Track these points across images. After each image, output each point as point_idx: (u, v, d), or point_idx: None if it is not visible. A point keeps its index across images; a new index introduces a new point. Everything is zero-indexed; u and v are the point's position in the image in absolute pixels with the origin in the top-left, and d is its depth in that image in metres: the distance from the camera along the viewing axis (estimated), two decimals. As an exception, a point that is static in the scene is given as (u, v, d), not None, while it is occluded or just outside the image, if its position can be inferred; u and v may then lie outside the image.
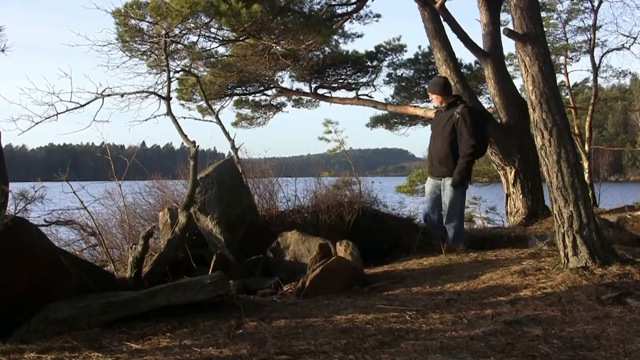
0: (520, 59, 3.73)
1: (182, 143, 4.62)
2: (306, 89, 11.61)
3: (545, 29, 4.16)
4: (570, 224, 3.46)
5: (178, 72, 7.95)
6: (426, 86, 12.29)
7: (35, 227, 3.12)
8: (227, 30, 7.63)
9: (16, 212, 3.22)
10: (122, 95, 5.33)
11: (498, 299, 3.14)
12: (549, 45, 4.02)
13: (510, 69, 12.75)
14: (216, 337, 2.56)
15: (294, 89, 11.76)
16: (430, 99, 5.41)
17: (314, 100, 12.09)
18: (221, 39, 8.11)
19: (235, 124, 12.73)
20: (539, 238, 4.72)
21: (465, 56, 60.69)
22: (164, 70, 7.03)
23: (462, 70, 8.80)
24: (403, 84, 12.06)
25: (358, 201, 5.35)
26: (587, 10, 14.82)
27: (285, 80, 11.64)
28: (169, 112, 4.80)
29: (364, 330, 2.63)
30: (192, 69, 8.53)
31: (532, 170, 7.14)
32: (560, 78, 15.36)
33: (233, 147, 6.59)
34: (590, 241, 3.43)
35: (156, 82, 7.59)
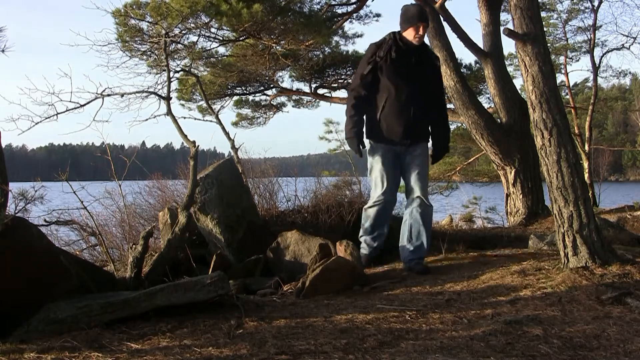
0: (520, 59, 3.73)
1: (182, 143, 4.63)
2: (306, 89, 11.63)
3: (545, 29, 4.17)
4: (570, 224, 3.46)
5: (178, 72, 7.95)
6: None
7: (35, 227, 3.12)
8: (227, 30, 7.64)
9: (16, 212, 3.22)
10: (122, 95, 5.34)
11: (498, 299, 3.14)
12: (549, 45, 4.02)
13: (510, 69, 12.77)
14: (216, 337, 2.56)
15: (294, 89, 11.78)
16: (418, 32, 3.84)
17: (314, 100, 12.11)
18: (221, 39, 8.12)
19: (235, 124, 12.75)
20: (539, 238, 4.72)
21: (465, 56, 60.74)
22: (164, 70, 7.03)
23: (462, 70, 8.80)
24: (403, 83, 12.05)
25: (358, 201, 5.35)
26: (587, 10, 14.85)
27: (285, 80, 11.66)
28: (169, 112, 4.80)
29: (364, 330, 2.63)
30: (192, 69, 8.53)
31: (532, 170, 7.15)
32: (560, 78, 15.39)
33: (233, 147, 6.59)
34: (590, 241, 3.43)
35: (156, 82, 7.59)
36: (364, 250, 4.24)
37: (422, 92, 3.91)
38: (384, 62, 3.85)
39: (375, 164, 4.03)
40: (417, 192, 4.00)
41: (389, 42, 3.91)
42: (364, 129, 4.02)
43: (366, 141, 4.03)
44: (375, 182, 4.06)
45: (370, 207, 4.14)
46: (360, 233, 4.28)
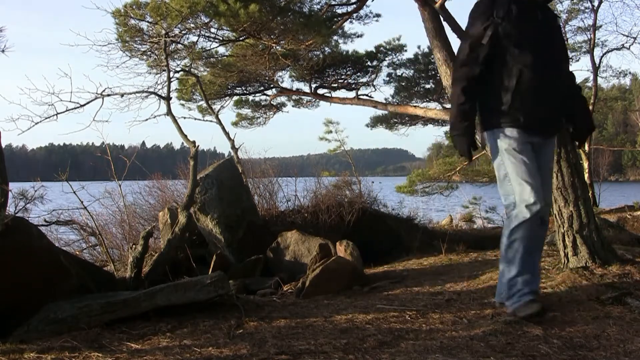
0: (520, 59, 3.72)
1: (182, 143, 4.63)
2: (306, 89, 11.61)
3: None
4: (570, 224, 3.46)
5: (178, 72, 7.96)
6: (426, 86, 12.35)
7: (35, 227, 3.12)
8: (227, 30, 7.63)
9: (16, 212, 3.22)
10: (122, 95, 5.34)
11: (498, 299, 3.14)
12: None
13: (510, 69, 12.72)
14: (216, 337, 2.56)
15: (294, 89, 11.76)
16: None
17: (314, 100, 12.09)
18: (221, 39, 8.11)
19: (235, 124, 12.73)
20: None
21: (465, 56, 60.53)
22: (164, 70, 7.03)
23: (462, 70, 8.77)
24: (403, 84, 12.06)
25: (358, 201, 5.36)
26: (587, 10, 14.84)
27: (285, 80, 11.64)
28: (169, 112, 4.81)
29: (364, 330, 2.63)
30: (192, 69, 8.54)
31: (532, 170, 7.13)
32: (560, 78, 15.33)
33: (233, 147, 6.60)
34: (590, 241, 3.43)
35: (156, 82, 7.58)
36: (526, 298, 2.68)
37: (557, 60, 2.89)
38: (507, 23, 2.74)
39: (512, 158, 2.78)
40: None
41: None
42: (485, 117, 2.92)
43: (489, 132, 2.89)
44: (518, 182, 2.77)
45: (518, 226, 2.73)
46: (512, 274, 2.75)
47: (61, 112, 4.66)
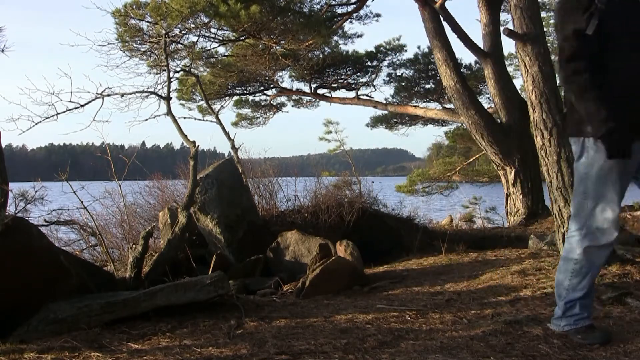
0: (520, 59, 3.74)
1: (182, 143, 4.64)
2: (306, 89, 11.64)
3: (545, 29, 4.18)
4: (570, 224, 3.46)
5: (178, 72, 7.96)
6: (426, 86, 12.36)
7: (35, 227, 3.12)
8: (227, 30, 7.64)
9: (16, 212, 3.22)
10: (122, 95, 5.35)
11: (498, 299, 3.14)
12: (549, 45, 4.02)
13: (510, 69, 12.73)
14: (216, 337, 2.56)
15: (294, 89, 11.79)
16: None
17: (314, 100, 12.12)
18: (221, 39, 8.13)
19: (235, 124, 12.76)
20: (539, 238, 4.72)
21: (465, 56, 60.68)
22: (164, 70, 7.03)
23: (462, 70, 8.81)
24: (403, 84, 12.09)
25: (358, 201, 5.36)
26: (587, 10, 14.83)
27: (285, 80, 11.67)
28: (169, 112, 4.81)
29: (364, 330, 2.63)
30: (192, 69, 8.55)
31: (532, 170, 7.15)
32: (560, 78, 15.30)
33: (233, 147, 6.59)
34: (590, 241, 3.42)
35: (156, 82, 7.60)
36: (586, 323, 2.51)
37: None
38: (611, 7, 2.36)
39: (601, 176, 2.41)
40: None
41: None
42: (577, 122, 2.45)
43: (580, 140, 2.43)
44: (600, 205, 2.43)
45: (591, 251, 2.46)
46: (573, 297, 2.51)
47: (61, 112, 4.67)
